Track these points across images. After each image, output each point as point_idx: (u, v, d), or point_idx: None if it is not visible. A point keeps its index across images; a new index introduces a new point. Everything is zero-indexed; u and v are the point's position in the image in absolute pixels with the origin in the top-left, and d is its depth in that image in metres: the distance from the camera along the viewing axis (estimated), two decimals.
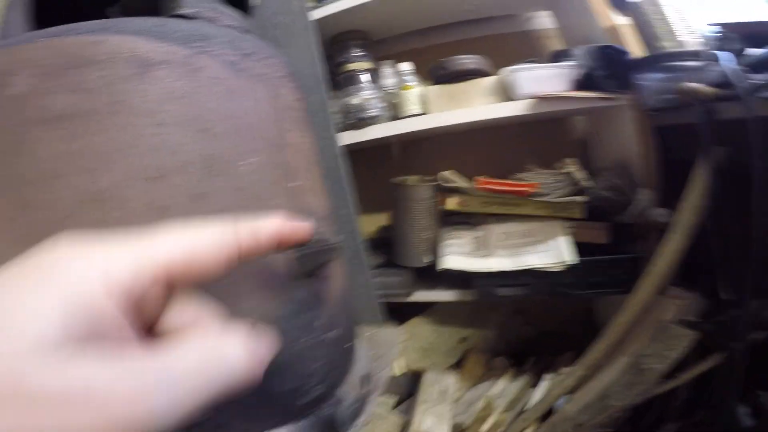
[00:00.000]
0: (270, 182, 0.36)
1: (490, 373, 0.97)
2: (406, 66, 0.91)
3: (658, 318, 0.72)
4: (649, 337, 0.72)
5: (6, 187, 0.25)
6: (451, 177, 0.81)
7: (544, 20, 1.08)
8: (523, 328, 1.10)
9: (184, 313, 0.18)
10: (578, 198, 0.79)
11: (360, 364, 0.49)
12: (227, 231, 0.19)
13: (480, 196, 0.81)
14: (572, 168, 0.81)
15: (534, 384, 0.87)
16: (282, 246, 0.23)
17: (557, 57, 0.90)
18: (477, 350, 1.03)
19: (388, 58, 1.10)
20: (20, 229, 0.25)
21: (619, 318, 0.76)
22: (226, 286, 0.30)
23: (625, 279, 0.78)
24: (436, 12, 1.05)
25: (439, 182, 0.83)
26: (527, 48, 1.08)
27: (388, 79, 1.05)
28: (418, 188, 0.86)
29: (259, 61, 0.38)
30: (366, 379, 0.50)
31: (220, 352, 0.16)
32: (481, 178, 0.78)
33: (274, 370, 0.36)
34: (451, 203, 0.82)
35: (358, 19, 0.98)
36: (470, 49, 1.07)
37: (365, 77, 0.99)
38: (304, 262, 0.34)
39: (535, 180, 0.80)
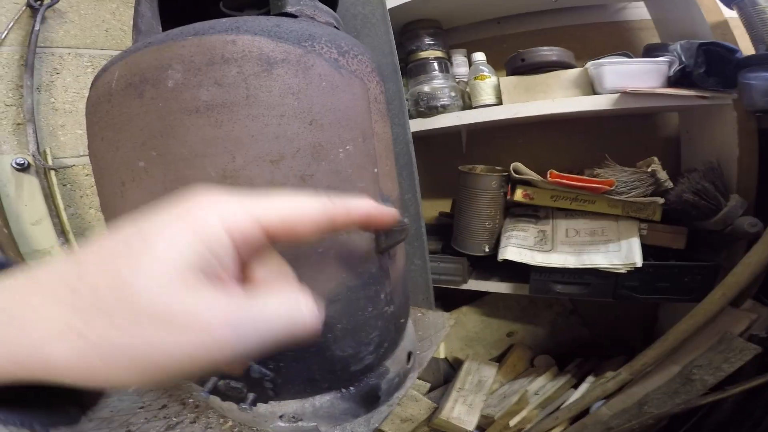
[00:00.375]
0: (359, 167, 0.40)
1: (531, 370, 0.97)
2: (479, 56, 0.90)
3: (725, 329, 0.68)
4: (707, 348, 0.69)
5: (163, 163, 0.32)
6: (522, 168, 0.80)
7: (638, 11, 1.00)
8: (577, 330, 1.07)
9: (270, 268, 0.21)
10: (657, 199, 0.75)
11: (407, 341, 0.53)
12: (325, 205, 0.22)
13: (550, 189, 0.80)
14: (655, 166, 0.76)
15: (575, 385, 0.86)
16: (368, 226, 0.26)
17: (651, 51, 0.84)
18: (522, 346, 1.03)
19: (460, 47, 1.10)
20: (173, 196, 0.31)
21: (680, 325, 0.72)
22: (315, 252, 0.36)
23: (697, 287, 0.74)
24: (514, 2, 1.01)
25: (509, 173, 0.83)
26: (616, 40, 1.00)
27: (460, 68, 1.04)
28: (487, 177, 0.86)
29: (354, 57, 0.41)
30: (410, 356, 0.55)
31: (296, 306, 0.19)
32: (554, 171, 0.77)
33: (339, 335, 0.42)
34: (519, 195, 0.81)
35: (431, 8, 0.98)
36: (550, 39, 1.03)
37: (436, 65, 1.00)
38: (381, 241, 0.38)
39: (612, 177, 0.77)
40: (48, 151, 0.68)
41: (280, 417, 0.42)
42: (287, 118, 0.33)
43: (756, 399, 0.64)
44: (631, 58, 0.83)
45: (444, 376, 1.00)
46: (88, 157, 0.76)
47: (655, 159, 0.78)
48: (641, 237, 0.77)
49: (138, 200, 0.32)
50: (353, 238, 0.39)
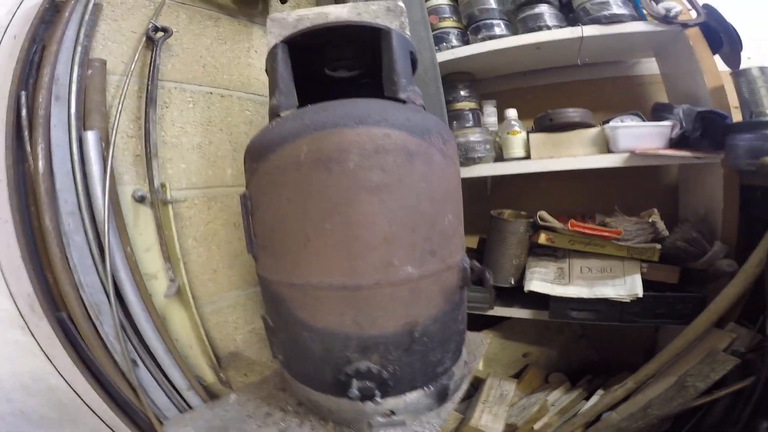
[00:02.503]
0: (455, 228, 0.54)
1: (546, 386, 1.10)
2: (512, 113, 1.05)
3: (711, 346, 0.84)
4: (697, 361, 0.84)
5: (343, 226, 0.46)
6: (546, 216, 0.96)
7: (648, 65, 1.17)
8: (585, 351, 1.21)
9: None
10: (656, 245, 0.91)
11: (463, 353, 0.68)
12: None
13: (569, 235, 0.95)
14: (655, 217, 0.92)
15: (586, 398, 1.00)
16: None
17: (658, 110, 1.01)
18: (537, 365, 1.16)
19: (490, 97, 1.25)
20: (349, 251, 0.45)
21: (675, 342, 0.87)
22: (427, 287, 0.49)
23: (688, 313, 0.90)
24: (541, 60, 1.17)
25: (535, 219, 0.98)
26: (628, 94, 1.18)
27: (490, 117, 1.20)
28: (516, 223, 1.01)
29: (449, 146, 0.56)
30: (465, 364, 0.69)
31: None
32: (573, 221, 0.92)
33: (435, 345, 0.56)
34: (543, 238, 0.97)
35: (466, 63, 1.13)
36: (570, 92, 1.20)
37: (471, 116, 1.15)
38: (466, 278, 0.53)
39: (620, 226, 0.92)
40: (167, 185, 0.78)
41: (387, 413, 0.55)
42: (420, 197, 0.48)
43: (743, 403, 0.78)
44: (641, 118, 1.00)
45: (467, 393, 1.12)
46: (189, 191, 0.89)
47: (655, 211, 0.94)
48: (642, 273, 0.93)
49: (319, 250, 0.46)
50: (450, 277, 0.53)
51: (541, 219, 0.97)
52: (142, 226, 0.77)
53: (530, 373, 1.13)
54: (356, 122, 0.47)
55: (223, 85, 0.95)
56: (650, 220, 0.92)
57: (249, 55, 1.04)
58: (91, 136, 0.69)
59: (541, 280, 0.97)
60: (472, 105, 1.19)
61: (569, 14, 1.05)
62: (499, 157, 1.06)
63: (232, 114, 0.97)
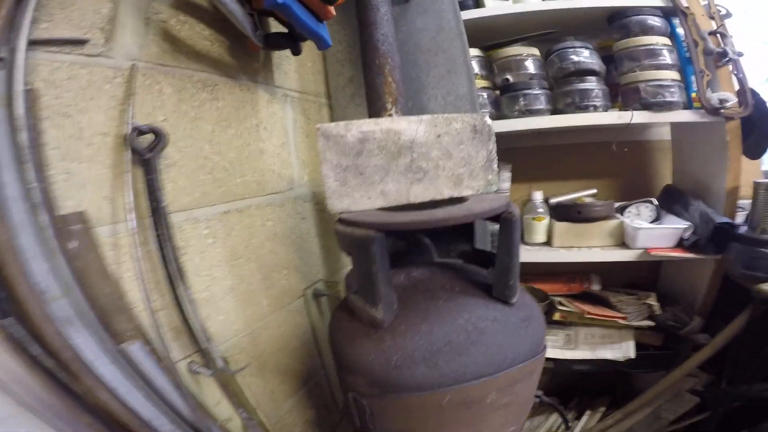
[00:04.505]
0: None
1: (542, 408, 1.37)
2: (538, 196, 1.05)
3: (679, 387, 1.11)
4: (667, 399, 1.12)
5: None
6: (564, 302, 1.06)
7: (659, 131, 1.17)
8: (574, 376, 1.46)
9: None
10: (649, 323, 1.08)
11: None
12: None
13: (579, 313, 1.08)
14: (651, 300, 1.07)
15: (576, 418, 1.30)
16: None
17: (671, 198, 1.06)
18: None
19: (503, 154, 1.17)
20: None
21: (655, 387, 1.12)
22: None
23: (666, 364, 1.14)
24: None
25: (551, 300, 1.09)
26: (637, 157, 1.20)
27: (504, 183, 1.17)
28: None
29: None
30: None
31: None
32: (586, 308, 1.04)
33: None
34: (557, 316, 1.09)
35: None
36: (583, 153, 1.19)
37: None
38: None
39: (624, 306, 1.07)
40: (227, 359, 0.70)
41: None
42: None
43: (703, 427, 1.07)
44: (655, 205, 1.05)
45: None
46: (234, 339, 0.77)
47: (653, 294, 1.08)
48: (634, 340, 1.12)
49: None
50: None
51: (560, 303, 1.08)
52: (206, 389, 0.70)
53: None
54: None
55: (238, 195, 0.78)
56: (648, 302, 1.07)
57: (259, 137, 0.83)
58: (135, 351, 0.56)
59: (552, 347, 1.13)
60: None
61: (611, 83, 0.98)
62: (522, 241, 1.10)
63: (254, 234, 0.83)
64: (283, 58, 0.94)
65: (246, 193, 0.81)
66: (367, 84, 0.75)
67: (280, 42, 0.78)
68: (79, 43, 0.52)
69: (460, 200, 0.61)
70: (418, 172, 0.59)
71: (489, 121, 0.63)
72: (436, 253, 0.70)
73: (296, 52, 0.81)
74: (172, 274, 0.61)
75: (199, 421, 0.62)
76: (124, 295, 0.58)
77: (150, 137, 0.59)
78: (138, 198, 0.58)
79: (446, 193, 0.60)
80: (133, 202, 0.55)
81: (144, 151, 0.58)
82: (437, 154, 0.60)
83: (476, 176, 0.62)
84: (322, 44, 0.77)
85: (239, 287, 0.82)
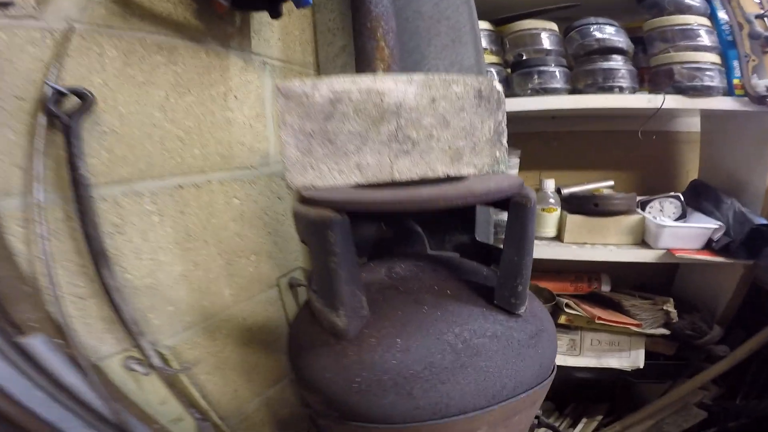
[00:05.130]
0: None
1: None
2: (550, 184, 0.92)
3: (686, 399, 1.01)
4: (673, 411, 1.02)
5: None
6: (572, 305, 0.95)
7: (687, 121, 1.03)
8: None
9: None
10: (664, 331, 0.97)
11: None
12: None
13: (586, 317, 0.97)
14: (668, 306, 0.95)
15: (571, 425, 1.20)
16: None
17: (698, 194, 0.93)
18: None
19: (514, 137, 1.05)
20: None
21: (663, 399, 1.02)
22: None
23: (676, 375, 1.04)
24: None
25: (558, 303, 0.97)
26: (661, 150, 1.06)
27: (512, 170, 1.04)
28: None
29: None
30: None
31: None
32: (597, 312, 0.92)
33: None
34: (563, 319, 0.97)
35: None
36: (600, 141, 1.05)
37: None
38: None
39: (638, 311, 0.95)
40: (167, 355, 0.61)
41: None
42: None
43: None
44: (681, 201, 0.93)
45: None
46: (186, 333, 0.69)
47: (671, 300, 0.96)
48: (644, 348, 1.01)
49: None
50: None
51: (567, 306, 0.96)
52: (148, 386, 0.64)
53: None
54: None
55: (195, 168, 0.67)
56: (664, 308, 0.95)
57: (226, 106, 0.72)
58: (36, 345, 0.46)
59: None
60: None
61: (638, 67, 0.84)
62: None
63: (215, 212, 0.71)
64: (264, 24, 0.81)
65: (206, 167, 0.69)
66: (357, 49, 0.63)
67: (254, 2, 0.66)
68: (3, 5, 0.44)
69: (458, 180, 0.48)
70: (406, 143, 0.46)
71: (498, 85, 0.50)
72: (430, 244, 0.58)
73: (275, 14, 0.69)
74: (96, 256, 0.49)
75: (124, 422, 0.52)
76: (32, 279, 0.47)
77: (75, 101, 0.49)
78: (60, 168, 0.50)
79: (440, 169, 0.47)
80: (46, 173, 0.47)
81: (63, 116, 0.48)
82: (431, 121, 0.47)
83: (480, 151, 0.49)
84: (300, 1, 0.65)
85: (194, 274, 0.70)
